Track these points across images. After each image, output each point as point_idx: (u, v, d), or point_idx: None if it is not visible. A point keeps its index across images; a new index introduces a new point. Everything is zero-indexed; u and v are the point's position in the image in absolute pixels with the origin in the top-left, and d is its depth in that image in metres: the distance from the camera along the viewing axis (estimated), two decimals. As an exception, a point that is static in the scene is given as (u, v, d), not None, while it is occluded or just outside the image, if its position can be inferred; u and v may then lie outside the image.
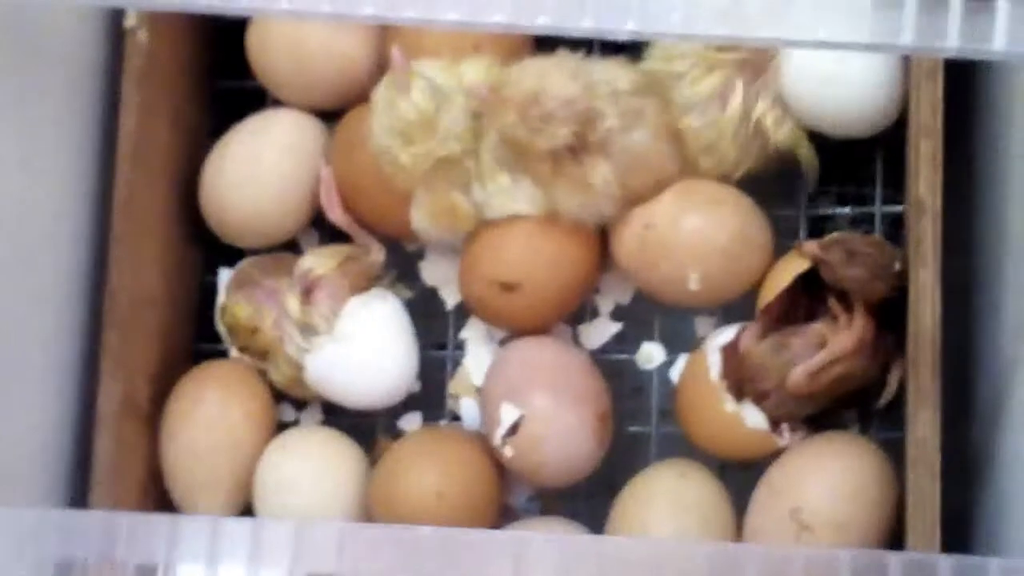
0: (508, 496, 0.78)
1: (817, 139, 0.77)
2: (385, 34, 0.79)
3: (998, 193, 0.73)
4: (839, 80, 0.75)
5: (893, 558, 0.54)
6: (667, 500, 0.75)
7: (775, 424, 0.75)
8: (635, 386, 0.80)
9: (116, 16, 0.78)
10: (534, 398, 0.75)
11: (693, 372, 0.77)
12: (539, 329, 0.78)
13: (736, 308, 0.78)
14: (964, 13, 0.53)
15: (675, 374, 0.79)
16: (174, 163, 0.80)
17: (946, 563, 0.54)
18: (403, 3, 0.55)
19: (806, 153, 0.76)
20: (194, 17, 0.80)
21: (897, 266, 0.73)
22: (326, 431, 0.79)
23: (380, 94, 0.77)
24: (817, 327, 0.74)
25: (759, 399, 0.74)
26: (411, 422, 0.81)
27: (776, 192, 0.78)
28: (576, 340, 0.80)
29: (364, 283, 0.78)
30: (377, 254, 0.79)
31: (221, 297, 0.80)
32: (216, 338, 0.81)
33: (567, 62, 0.75)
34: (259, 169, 0.80)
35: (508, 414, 0.75)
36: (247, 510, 0.78)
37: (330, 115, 0.81)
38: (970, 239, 0.76)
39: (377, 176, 0.77)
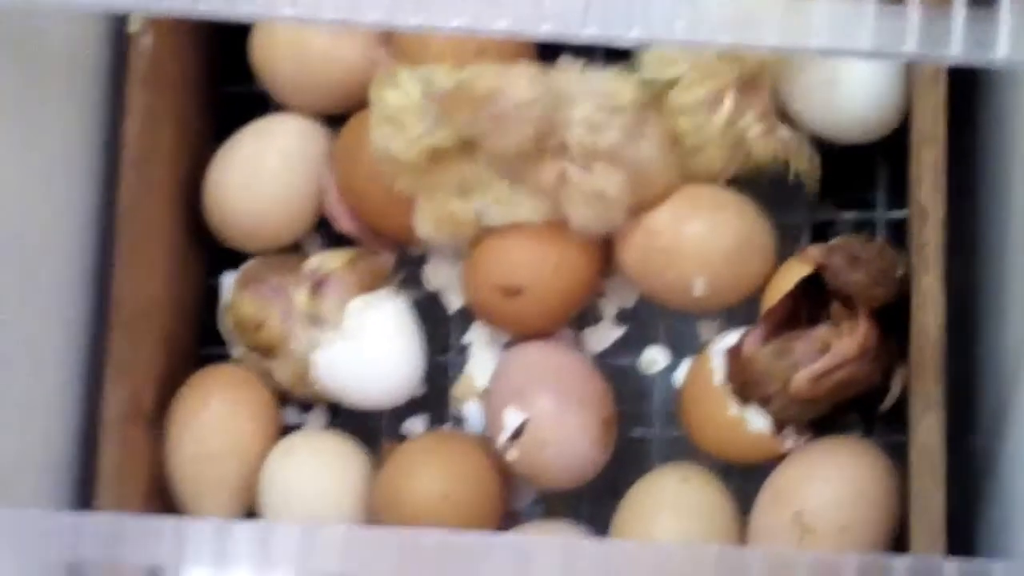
0: (512, 499, 0.79)
1: (820, 145, 0.77)
2: (389, 40, 0.80)
3: (1001, 199, 0.73)
4: (842, 86, 0.75)
5: (898, 562, 0.54)
6: (671, 504, 0.75)
7: (779, 428, 0.75)
8: (639, 390, 0.80)
9: (120, 21, 0.78)
10: (538, 402, 0.75)
11: (697, 376, 0.77)
12: (543, 333, 0.78)
13: (739, 312, 0.78)
14: (967, 21, 0.54)
15: (679, 378, 0.80)
16: (178, 168, 0.80)
17: (950, 567, 0.54)
18: (407, 9, 0.55)
19: (801, 163, 0.76)
20: (198, 22, 0.80)
21: (900, 271, 0.73)
22: (331, 435, 0.79)
23: (372, 94, 0.77)
24: (820, 332, 0.74)
25: (763, 403, 0.74)
26: (415, 426, 0.81)
27: (779, 198, 0.78)
28: (580, 344, 0.80)
29: (373, 282, 0.79)
30: (387, 256, 0.79)
31: (226, 296, 0.80)
32: (221, 342, 0.81)
33: (528, 68, 0.75)
34: (263, 174, 0.80)
35: (512, 418, 0.75)
36: (252, 514, 0.78)
37: (334, 120, 0.81)
38: (973, 244, 0.76)
39: (380, 181, 0.77)
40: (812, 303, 0.75)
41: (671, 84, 0.76)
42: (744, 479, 0.76)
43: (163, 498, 0.78)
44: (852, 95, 0.75)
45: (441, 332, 0.81)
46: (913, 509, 0.69)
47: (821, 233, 0.79)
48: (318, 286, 0.78)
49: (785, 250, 0.77)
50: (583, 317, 0.80)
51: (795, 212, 0.79)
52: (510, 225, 0.76)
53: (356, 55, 0.80)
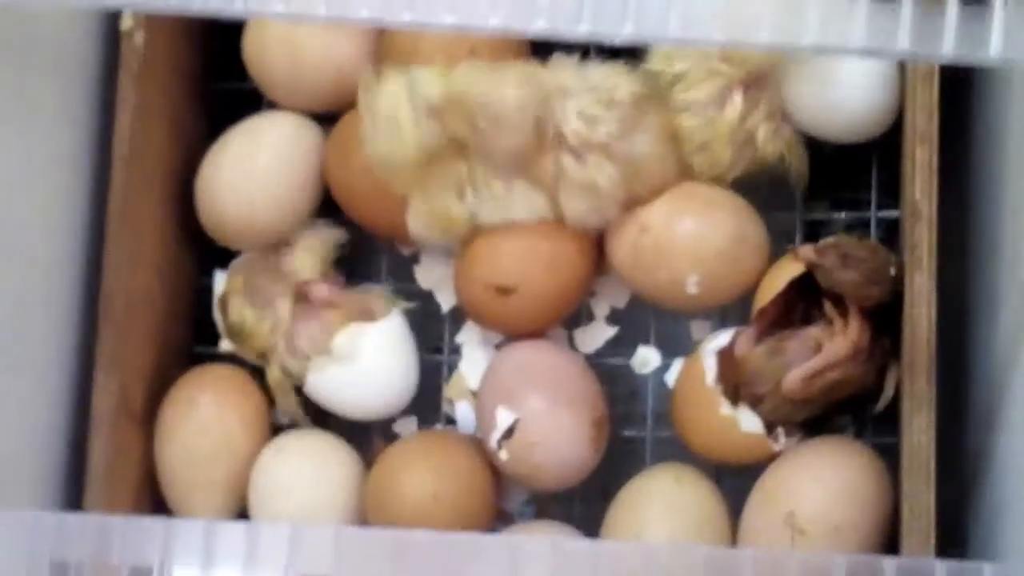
0: (503, 500, 0.78)
1: (813, 144, 0.77)
2: (381, 37, 0.79)
3: (993, 198, 0.73)
4: (835, 85, 0.75)
5: (888, 563, 0.54)
6: (662, 504, 0.75)
7: (770, 428, 0.75)
8: (631, 390, 0.80)
9: (112, 19, 0.78)
10: (530, 402, 0.75)
11: (689, 376, 0.77)
12: (535, 333, 0.78)
13: (732, 312, 0.78)
14: (959, 19, 0.54)
15: (671, 378, 0.80)
16: (170, 165, 0.80)
17: (941, 568, 0.54)
18: (399, 6, 0.55)
19: (797, 162, 0.76)
20: (190, 20, 0.80)
21: (892, 271, 0.73)
22: (321, 434, 0.79)
23: (361, 104, 0.76)
24: (812, 331, 0.74)
25: (755, 403, 0.74)
26: (407, 426, 0.81)
27: (772, 197, 0.78)
28: (572, 344, 0.80)
29: (363, 315, 0.78)
30: (376, 298, 0.79)
31: (219, 288, 0.80)
32: (212, 340, 0.81)
33: (518, 67, 0.75)
34: (254, 171, 0.80)
35: (504, 418, 0.75)
36: (242, 514, 0.78)
37: (326, 118, 0.81)
38: (966, 244, 0.76)
39: (372, 179, 0.77)
40: (804, 302, 0.75)
41: (676, 79, 0.76)
42: (736, 479, 0.76)
43: (153, 497, 0.78)
44: (845, 95, 0.75)
45: (433, 332, 0.81)
46: (904, 509, 0.69)
47: (814, 232, 0.79)
48: (299, 317, 0.77)
49: (778, 249, 0.77)
50: (575, 317, 0.80)
51: (788, 211, 0.79)
52: (503, 224, 0.76)
53: (349, 52, 0.79)
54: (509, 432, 0.75)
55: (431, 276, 0.82)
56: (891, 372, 0.74)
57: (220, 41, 0.82)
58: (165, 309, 0.80)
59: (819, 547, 0.71)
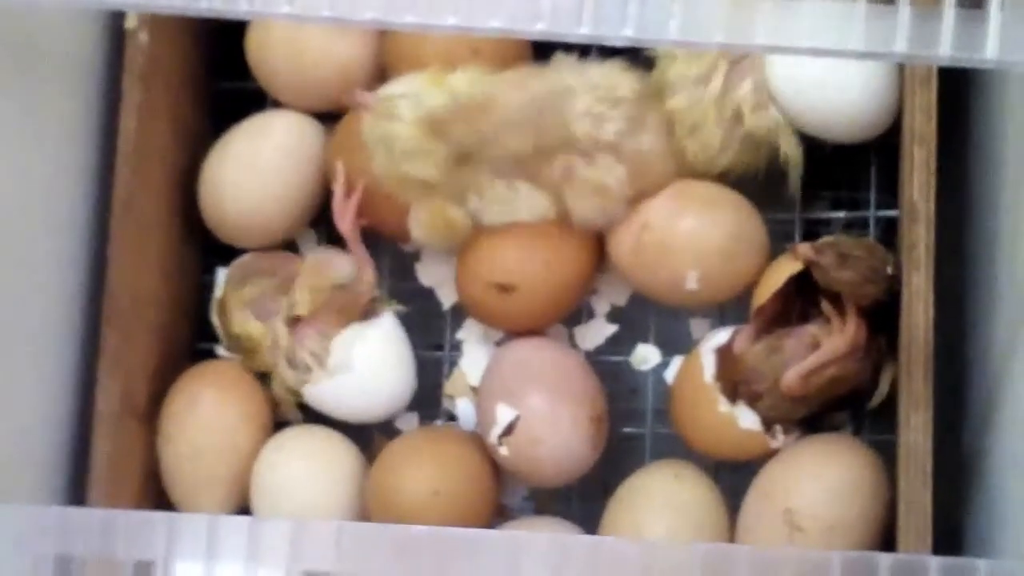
0: (503, 496, 0.79)
1: (812, 143, 0.77)
2: (384, 38, 0.80)
3: (991, 198, 0.73)
4: (834, 86, 0.75)
5: (883, 559, 0.54)
6: (661, 501, 0.75)
7: (768, 425, 0.75)
8: (630, 387, 0.80)
9: (117, 18, 0.79)
10: (530, 399, 0.76)
11: (688, 374, 0.77)
12: (535, 330, 0.79)
13: (731, 311, 0.78)
14: (957, 22, 0.54)
15: (670, 376, 0.80)
16: (174, 164, 0.81)
17: (936, 564, 0.54)
18: (402, 8, 0.56)
19: (789, 146, 0.77)
20: (194, 19, 0.80)
21: (889, 269, 0.74)
22: (323, 431, 0.79)
23: (369, 133, 0.76)
24: (810, 329, 0.75)
25: (753, 401, 0.75)
26: (407, 422, 0.81)
27: (771, 196, 0.78)
28: (572, 341, 0.81)
29: (354, 312, 0.78)
30: (368, 283, 0.78)
31: (218, 292, 0.80)
32: (215, 338, 0.81)
33: (521, 71, 0.75)
34: (258, 170, 0.80)
35: (504, 414, 0.75)
36: (245, 510, 0.78)
37: (329, 117, 0.81)
38: (963, 243, 0.77)
39: (375, 179, 0.77)
40: (802, 301, 0.75)
41: (667, 61, 0.76)
42: (734, 476, 0.77)
43: (156, 493, 0.78)
44: (843, 96, 0.76)
45: (434, 329, 0.81)
46: (901, 507, 0.69)
47: (813, 231, 0.79)
48: (294, 327, 0.78)
49: (777, 248, 0.77)
50: (575, 315, 0.81)
51: (786, 210, 0.79)
52: (505, 224, 0.77)
53: (352, 53, 0.80)
54: (509, 429, 0.75)
55: (432, 274, 0.82)
56: (887, 370, 0.75)
57: (224, 41, 0.83)
58: (168, 306, 0.80)
59: (816, 544, 0.71)
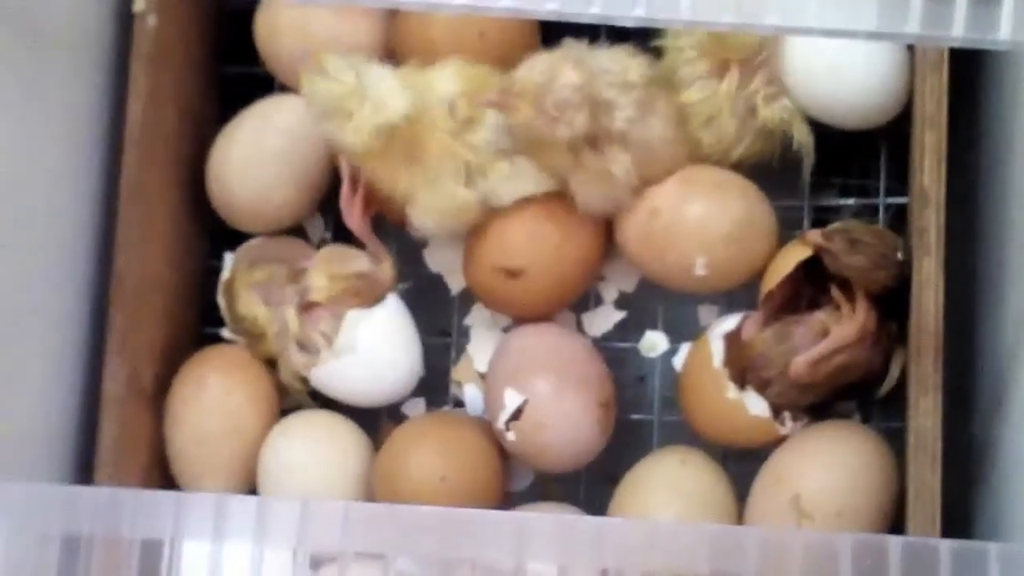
0: (510, 481, 0.79)
1: (822, 130, 0.77)
2: (392, 22, 0.80)
3: (1001, 184, 0.73)
4: (844, 71, 0.75)
5: (893, 541, 0.54)
6: (668, 487, 0.75)
7: (777, 412, 0.75)
8: (638, 374, 0.80)
9: (125, 2, 0.79)
10: (537, 384, 0.75)
11: (696, 360, 0.77)
12: (543, 316, 0.79)
13: (739, 297, 0.78)
14: (970, 2, 0.54)
15: (678, 362, 0.80)
16: (181, 148, 0.81)
17: (945, 547, 0.54)
18: (410, -12, 0.56)
19: (802, 134, 0.76)
20: (202, 3, 0.80)
21: (899, 255, 0.74)
22: (329, 415, 0.79)
23: (304, 90, 0.75)
24: (820, 316, 0.74)
25: (761, 387, 0.75)
26: (415, 407, 0.81)
27: (781, 183, 0.78)
28: (580, 328, 0.81)
29: (368, 298, 0.78)
30: (387, 270, 0.78)
31: (226, 273, 0.80)
32: (222, 321, 0.81)
33: (571, 52, 0.75)
34: (265, 154, 0.80)
35: (511, 400, 0.75)
36: (251, 493, 0.78)
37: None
38: (973, 229, 0.77)
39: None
40: (812, 287, 0.75)
41: (679, 55, 0.76)
42: (742, 463, 0.76)
43: (163, 476, 0.78)
44: (854, 81, 0.76)
45: (442, 314, 0.81)
46: (910, 492, 0.69)
47: (822, 218, 0.79)
48: (306, 312, 0.78)
49: (786, 235, 0.77)
50: (583, 301, 0.80)
51: (796, 197, 0.79)
52: (511, 207, 0.76)
53: (360, 36, 0.79)
54: (517, 414, 0.75)
55: (440, 259, 0.82)
56: (896, 356, 0.75)
57: (232, 25, 0.83)
58: (175, 290, 0.80)
59: (824, 530, 0.71)
